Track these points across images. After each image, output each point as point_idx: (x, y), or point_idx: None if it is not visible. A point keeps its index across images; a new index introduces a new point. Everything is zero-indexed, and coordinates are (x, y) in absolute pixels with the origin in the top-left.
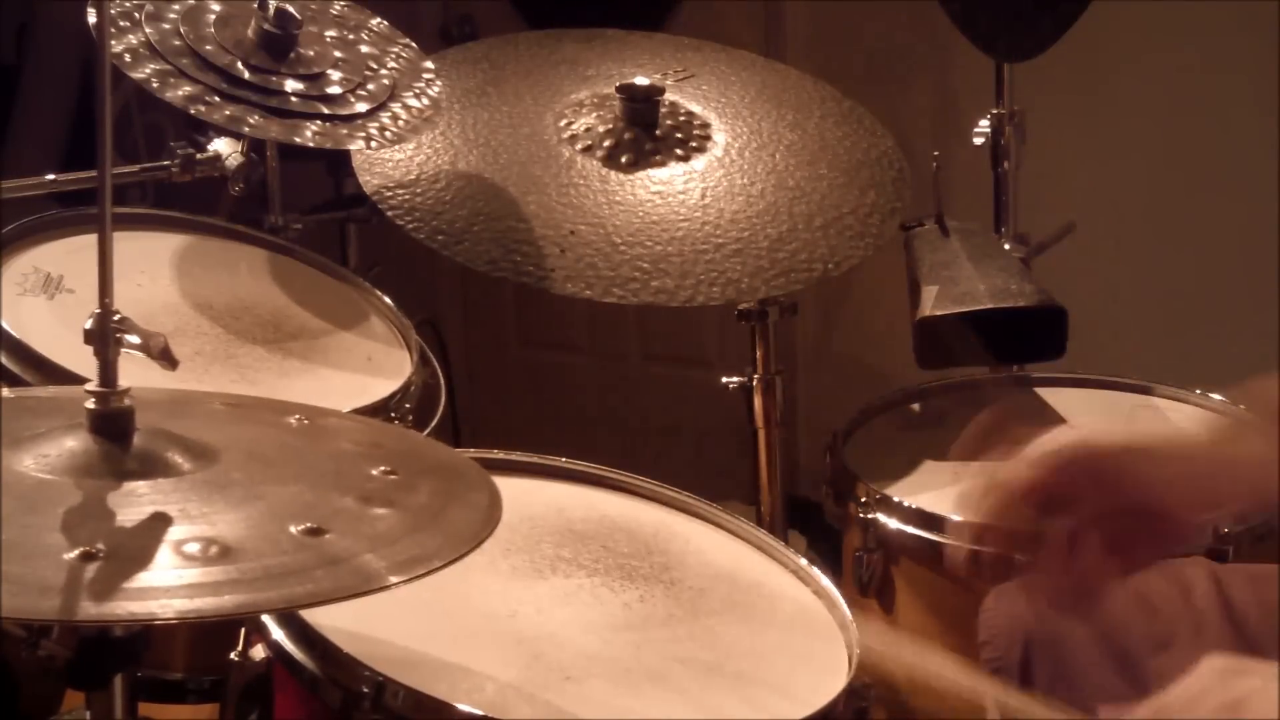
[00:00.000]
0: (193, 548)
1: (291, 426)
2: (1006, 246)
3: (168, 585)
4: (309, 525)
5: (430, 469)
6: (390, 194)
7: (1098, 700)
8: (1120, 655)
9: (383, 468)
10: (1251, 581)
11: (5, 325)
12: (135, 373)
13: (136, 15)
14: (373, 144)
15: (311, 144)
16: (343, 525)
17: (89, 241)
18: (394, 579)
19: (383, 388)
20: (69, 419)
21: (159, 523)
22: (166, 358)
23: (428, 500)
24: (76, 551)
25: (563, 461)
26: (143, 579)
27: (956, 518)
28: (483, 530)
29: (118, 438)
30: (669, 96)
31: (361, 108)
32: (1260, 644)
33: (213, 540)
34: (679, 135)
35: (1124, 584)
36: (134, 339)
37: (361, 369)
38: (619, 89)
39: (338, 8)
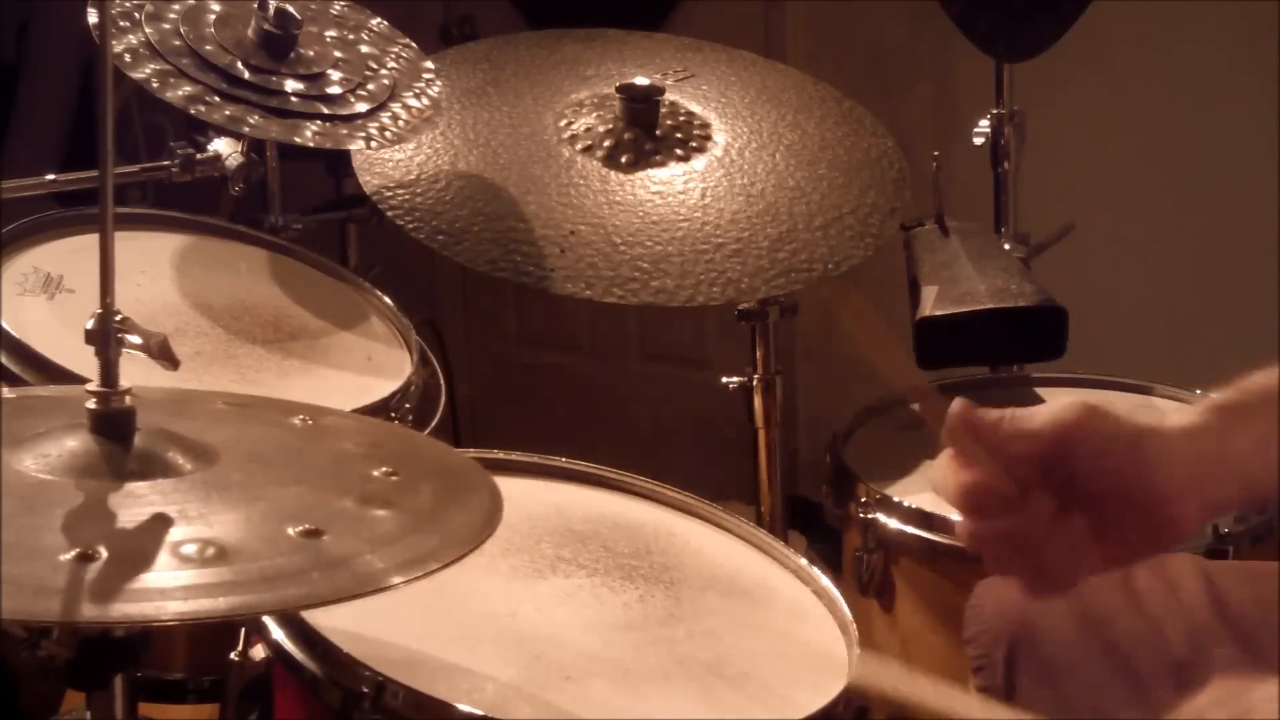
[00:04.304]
0: (190, 549)
1: (293, 427)
2: (1006, 246)
3: (164, 587)
4: (307, 527)
5: (432, 470)
6: (390, 194)
7: (1083, 700)
8: (1107, 653)
9: (384, 469)
10: (1248, 578)
11: (5, 325)
12: (135, 372)
13: (136, 15)
14: (373, 144)
15: (311, 144)
16: (341, 527)
17: (89, 241)
18: (390, 581)
19: (383, 388)
20: (70, 419)
21: (157, 524)
22: (167, 357)
23: (428, 502)
24: (74, 553)
25: (563, 461)
26: (139, 581)
27: (957, 517)
28: (482, 533)
29: (119, 438)
30: (669, 96)
31: (361, 108)
32: (1257, 641)
33: (210, 542)
34: (679, 135)
35: (1110, 579)
36: (135, 339)
37: (361, 369)
38: (619, 89)
39: (338, 8)
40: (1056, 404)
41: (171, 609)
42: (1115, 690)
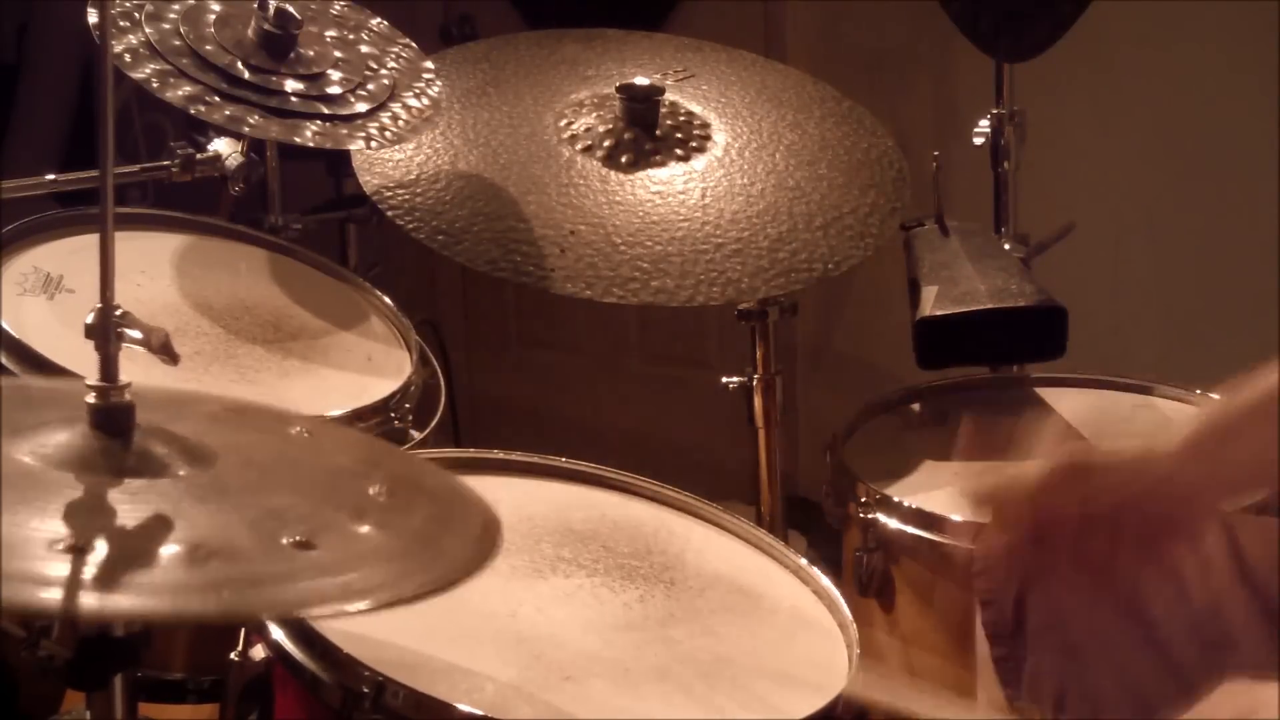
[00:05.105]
0: (183, 549)
1: (291, 436)
2: (1006, 246)
3: (155, 585)
4: (299, 538)
5: (428, 494)
6: (390, 194)
7: (1090, 645)
8: (1120, 599)
9: (379, 487)
10: (1266, 532)
11: (5, 325)
12: (135, 372)
13: (136, 15)
14: (373, 144)
15: (311, 144)
16: (333, 540)
17: (89, 241)
18: (375, 601)
19: (383, 388)
20: (68, 413)
21: (152, 523)
22: (167, 352)
23: (421, 525)
24: (63, 548)
25: (563, 461)
26: (132, 577)
27: (957, 517)
28: (473, 563)
29: (117, 433)
30: (669, 96)
31: (361, 108)
32: (1273, 598)
33: (200, 544)
34: (679, 135)
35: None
36: (135, 333)
37: (361, 369)
38: (619, 89)
39: (338, 8)
40: (1044, 462)
41: (162, 608)
42: (1127, 635)
